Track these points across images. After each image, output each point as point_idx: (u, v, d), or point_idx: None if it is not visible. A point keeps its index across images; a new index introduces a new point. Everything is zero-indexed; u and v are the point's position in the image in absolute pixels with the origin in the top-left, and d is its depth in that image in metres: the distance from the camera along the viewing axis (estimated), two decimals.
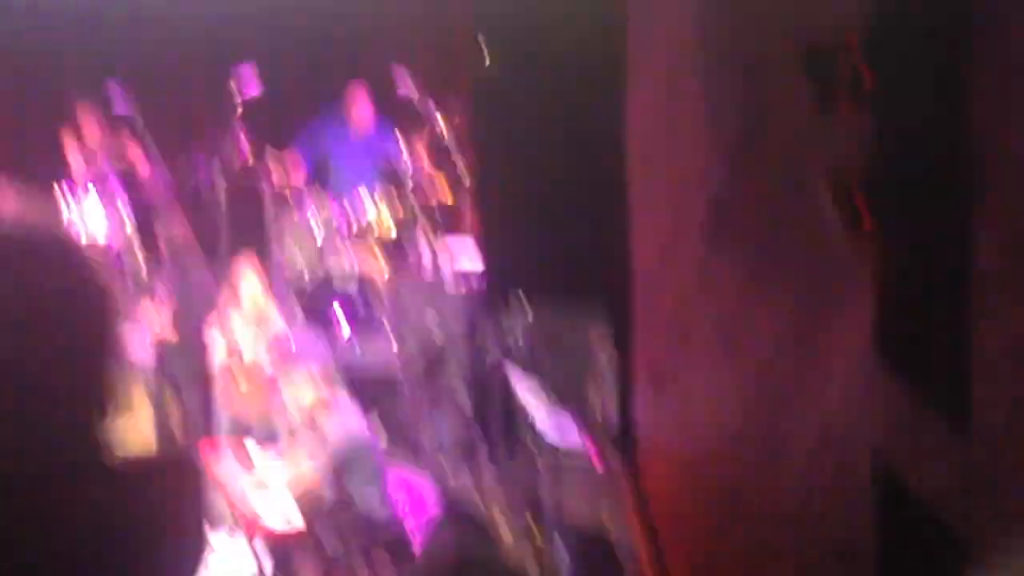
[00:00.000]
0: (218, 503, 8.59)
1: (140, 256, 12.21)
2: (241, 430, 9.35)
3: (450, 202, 11.82)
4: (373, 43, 13.06)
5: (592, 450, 8.22)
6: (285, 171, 12.29)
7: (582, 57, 7.44)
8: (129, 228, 11.97)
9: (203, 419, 9.89)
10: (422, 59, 12.35)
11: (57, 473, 2.36)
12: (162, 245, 10.82)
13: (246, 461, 8.78)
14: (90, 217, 11.81)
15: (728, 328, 5.75)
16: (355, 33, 13.17)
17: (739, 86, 5.28)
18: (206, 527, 2.56)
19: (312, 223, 11.89)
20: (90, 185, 12.06)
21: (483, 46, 7.23)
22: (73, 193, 11.90)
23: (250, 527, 8.28)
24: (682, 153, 6.39)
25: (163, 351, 10.29)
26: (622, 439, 8.24)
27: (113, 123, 12.33)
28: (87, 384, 2.39)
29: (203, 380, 9.79)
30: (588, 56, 7.43)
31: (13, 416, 2.31)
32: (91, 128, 12.28)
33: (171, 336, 10.25)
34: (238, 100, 11.83)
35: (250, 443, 9.13)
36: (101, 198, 11.88)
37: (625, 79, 7.21)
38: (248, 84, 11.80)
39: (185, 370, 10.04)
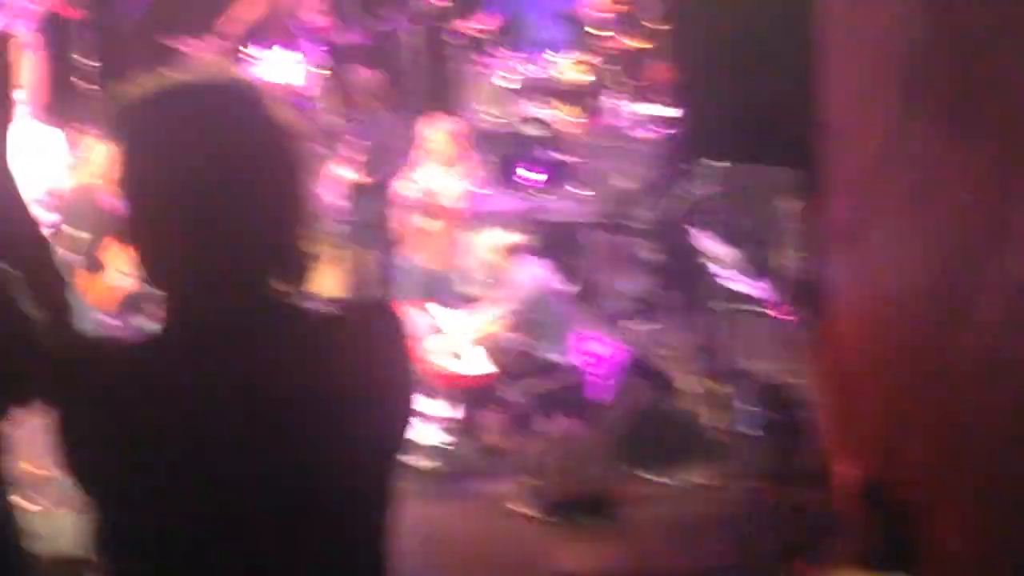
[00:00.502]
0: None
1: (334, 103, 12.36)
2: (429, 279, 9.47)
3: (643, 51, 11.72)
4: None
5: (778, 304, 8.19)
6: (478, 20, 12.29)
7: None
8: (323, 75, 12.10)
9: (391, 268, 10.03)
10: None
11: (259, 318, 2.41)
12: (355, 93, 10.91)
13: (427, 313, 8.90)
14: (285, 65, 11.96)
15: (921, 185, 5.66)
16: None
17: None
18: (412, 371, 2.58)
19: (504, 71, 11.91)
20: (285, 34, 12.22)
21: None
22: (269, 44, 12.06)
23: (436, 377, 8.41)
24: (880, 5, 6.26)
25: (354, 199, 10.40)
26: (809, 294, 8.18)
27: None
28: (279, 227, 2.41)
29: (393, 229, 9.89)
30: None
31: (212, 257, 2.36)
32: None
33: (362, 184, 10.36)
34: None
35: (438, 295, 9.27)
36: (297, 47, 12.03)
37: None
38: None
39: (375, 219, 10.12)
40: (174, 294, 2.39)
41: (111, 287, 8.61)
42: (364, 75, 10.96)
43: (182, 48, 12.09)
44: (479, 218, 10.25)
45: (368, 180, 10.14)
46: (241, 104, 2.40)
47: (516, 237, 8.84)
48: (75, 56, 12.24)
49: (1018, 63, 4.19)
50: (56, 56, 12.45)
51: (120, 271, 8.52)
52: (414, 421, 2.54)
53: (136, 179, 2.38)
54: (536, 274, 8.66)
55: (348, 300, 2.52)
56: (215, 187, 2.33)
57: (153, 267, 2.39)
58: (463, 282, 9.45)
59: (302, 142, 2.45)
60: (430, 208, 9.33)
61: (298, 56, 12.00)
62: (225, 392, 2.35)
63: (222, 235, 2.34)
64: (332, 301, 2.50)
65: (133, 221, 2.38)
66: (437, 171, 9.44)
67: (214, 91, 2.42)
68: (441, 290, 9.38)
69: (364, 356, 2.44)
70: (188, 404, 2.33)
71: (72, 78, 12.31)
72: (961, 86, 5.08)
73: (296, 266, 2.44)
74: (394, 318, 2.53)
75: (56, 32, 12.49)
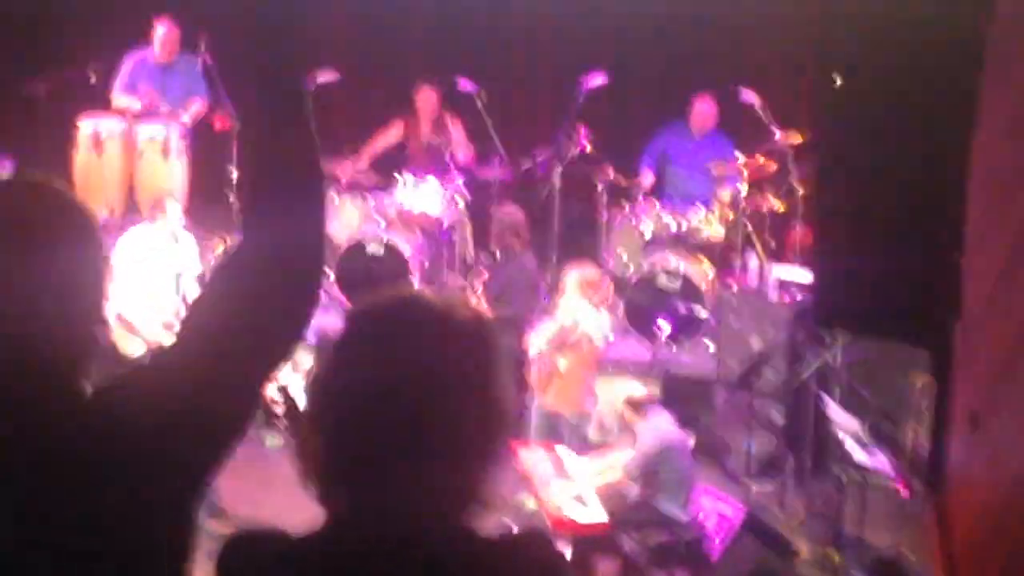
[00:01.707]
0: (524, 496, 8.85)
1: (468, 234, 12.59)
2: (552, 423, 9.55)
3: (785, 213, 11.84)
4: (721, 59, 13.10)
5: (900, 479, 8.20)
6: (620, 167, 12.46)
7: (932, 89, 7.42)
8: (461, 207, 12.34)
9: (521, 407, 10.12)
10: (769, 78, 12.40)
11: (426, 546, 2.43)
12: (492, 227, 11.08)
13: (554, 456, 8.97)
14: (424, 193, 12.20)
15: None
16: (703, 48, 13.22)
17: None
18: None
19: (642, 220, 12.05)
20: (428, 163, 12.48)
21: (835, 77, 7.26)
22: (412, 172, 12.31)
23: (556, 521, 8.48)
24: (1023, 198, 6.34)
25: None
26: (933, 472, 8.19)
27: (453, 110, 12.75)
28: (470, 474, 2.46)
29: (518, 370, 9.99)
30: (938, 88, 7.41)
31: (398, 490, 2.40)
32: (430, 114, 12.72)
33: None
34: (581, 98, 12.14)
35: (564, 438, 9.36)
36: (439, 176, 12.28)
37: (975, 117, 7.17)
38: (593, 83, 12.13)
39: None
40: (344, 515, 2.45)
41: None
42: (504, 210, 11.14)
43: (337, 173, 12.39)
44: (610, 364, 10.34)
45: (493, 311, 10.28)
46: (471, 352, 2.45)
47: (645, 388, 8.90)
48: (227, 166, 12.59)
49: None
50: (202, 164, 12.83)
51: None
52: None
53: (338, 389, 2.44)
54: (662, 427, 8.72)
55: (508, 533, 2.52)
56: (413, 422, 2.39)
57: (333, 484, 2.45)
58: (590, 427, 9.54)
59: (509, 408, 2.49)
60: (562, 350, 9.43)
61: (438, 186, 12.24)
62: None
63: (411, 472, 2.39)
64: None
65: (324, 426, 2.44)
66: (571, 314, 9.55)
67: (445, 326, 2.45)
68: (568, 433, 9.46)
69: None
70: None
71: (223, 188, 12.66)
72: None
73: (474, 505, 2.47)
74: (553, 551, 2.55)
75: (205, 141, 12.87)
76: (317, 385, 2.48)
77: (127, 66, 12.78)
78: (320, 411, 2.45)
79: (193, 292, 10.07)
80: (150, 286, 9.86)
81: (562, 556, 2.55)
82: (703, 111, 12.52)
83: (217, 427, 2.65)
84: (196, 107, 12.79)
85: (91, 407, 2.58)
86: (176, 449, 2.59)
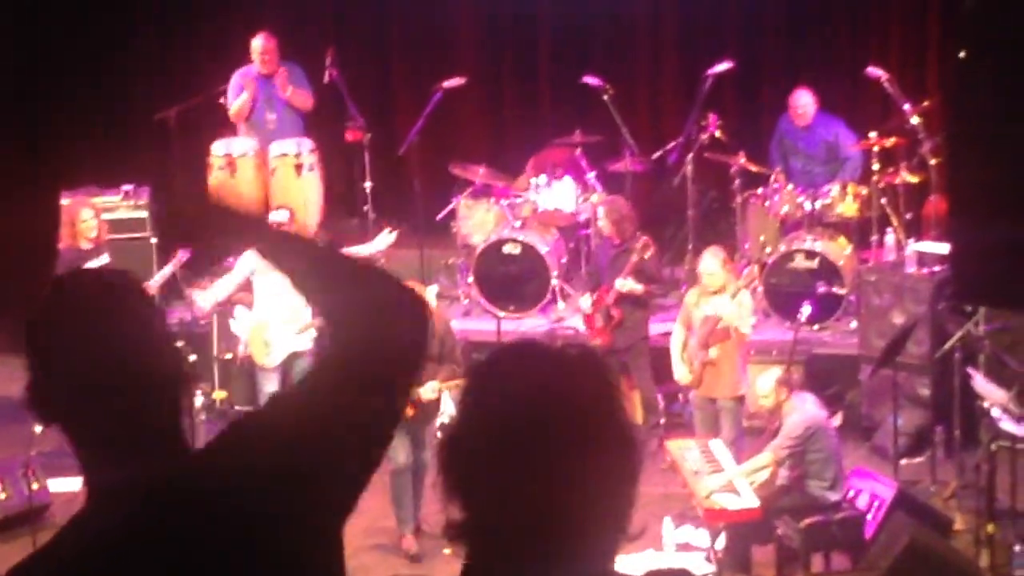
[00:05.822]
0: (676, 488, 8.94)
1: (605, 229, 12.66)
2: (711, 410, 9.60)
3: (920, 185, 11.77)
4: (847, 38, 13.09)
5: None
6: (752, 152, 12.41)
7: None
8: (596, 199, 12.44)
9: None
10: (895, 53, 12.37)
11: None
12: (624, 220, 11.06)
13: (706, 449, 9.04)
14: (559, 193, 12.31)
15: None
16: (828, 29, 13.22)
17: None
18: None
19: (776, 202, 12.03)
20: (560, 164, 12.56)
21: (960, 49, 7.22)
22: (546, 173, 12.39)
23: (709, 511, 8.55)
24: None
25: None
26: None
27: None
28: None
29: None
30: None
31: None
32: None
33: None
34: (709, 85, 12.16)
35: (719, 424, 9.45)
36: (572, 175, 12.37)
37: None
38: (720, 68, 12.15)
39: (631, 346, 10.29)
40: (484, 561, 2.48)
41: None
42: (613, 200, 11.25)
43: (469, 177, 12.50)
44: (753, 348, 10.37)
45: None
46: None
47: (790, 371, 8.89)
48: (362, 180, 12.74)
49: None
50: (332, 177, 13.00)
51: None
52: None
53: (467, 446, 2.46)
54: (809, 409, 8.72)
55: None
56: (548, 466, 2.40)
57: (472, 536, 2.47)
58: (728, 410, 9.59)
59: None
60: (711, 341, 9.46)
61: (572, 183, 12.35)
62: None
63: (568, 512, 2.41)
64: None
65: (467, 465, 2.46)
66: (713, 301, 9.56)
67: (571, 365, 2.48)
68: (725, 418, 9.52)
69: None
70: None
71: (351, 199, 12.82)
72: None
73: (616, 534, 2.47)
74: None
75: (337, 155, 13.04)
76: (449, 443, 2.50)
77: (235, 80, 12.74)
78: (456, 468, 2.47)
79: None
80: (277, 296, 9.94)
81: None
82: (798, 104, 12.40)
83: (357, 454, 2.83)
84: (301, 98, 12.79)
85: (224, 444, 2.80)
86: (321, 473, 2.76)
